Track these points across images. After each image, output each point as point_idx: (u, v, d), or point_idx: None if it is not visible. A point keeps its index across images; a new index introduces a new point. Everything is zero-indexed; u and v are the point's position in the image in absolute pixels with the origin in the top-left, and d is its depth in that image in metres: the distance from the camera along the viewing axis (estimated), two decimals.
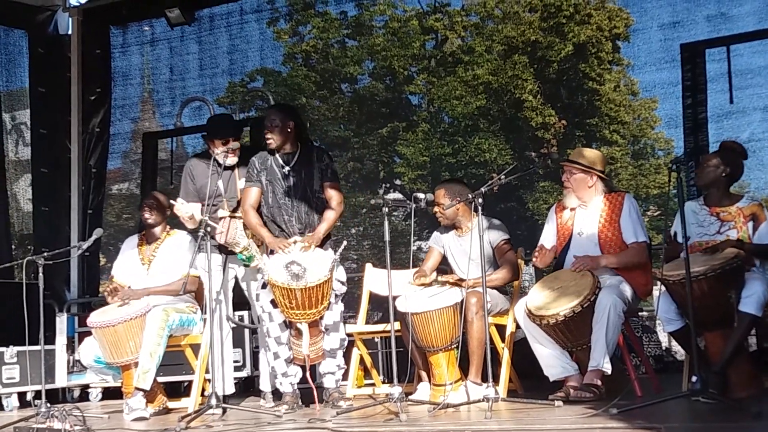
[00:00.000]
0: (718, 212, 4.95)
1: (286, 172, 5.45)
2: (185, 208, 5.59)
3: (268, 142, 5.44)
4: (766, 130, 8.52)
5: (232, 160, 5.67)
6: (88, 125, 8.90)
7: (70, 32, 8.97)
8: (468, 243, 5.39)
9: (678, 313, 4.67)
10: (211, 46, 10.44)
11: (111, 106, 9.19)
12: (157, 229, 5.95)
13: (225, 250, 5.66)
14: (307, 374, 5.23)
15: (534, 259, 5.26)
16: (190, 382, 5.89)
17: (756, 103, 8.47)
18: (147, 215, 5.91)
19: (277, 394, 5.63)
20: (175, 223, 6.03)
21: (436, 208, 5.62)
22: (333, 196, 5.46)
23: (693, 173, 5.07)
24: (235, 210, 5.65)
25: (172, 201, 5.68)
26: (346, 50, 19.23)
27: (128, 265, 5.97)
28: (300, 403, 5.37)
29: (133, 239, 6.09)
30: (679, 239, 4.40)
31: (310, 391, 5.29)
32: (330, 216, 5.43)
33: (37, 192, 8.80)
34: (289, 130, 5.43)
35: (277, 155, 5.49)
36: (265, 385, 5.78)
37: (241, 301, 5.97)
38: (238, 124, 6.03)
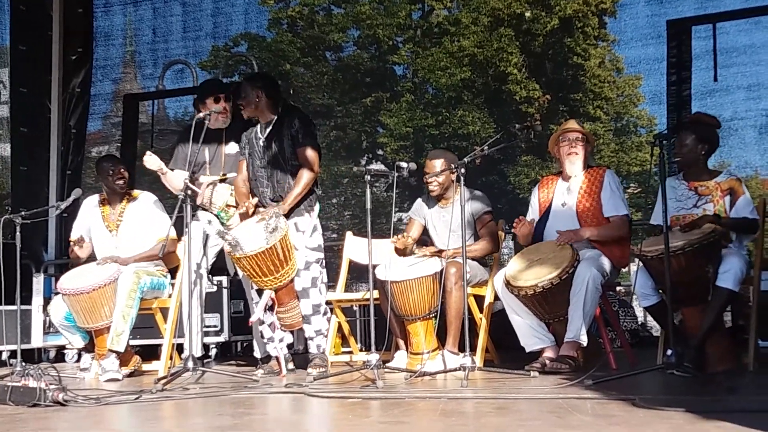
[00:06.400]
0: (696, 186, 4.98)
1: (262, 143, 5.39)
2: (152, 161, 5.60)
3: (242, 112, 5.46)
4: (749, 109, 8.57)
5: (217, 122, 5.62)
6: (68, 85, 8.77)
7: None
8: (450, 213, 5.38)
9: (654, 288, 4.70)
10: (195, 8, 10.35)
11: (92, 67, 9.07)
12: (121, 193, 5.85)
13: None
14: (276, 342, 5.28)
15: (513, 228, 5.26)
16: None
17: (740, 81, 8.51)
18: (121, 182, 5.78)
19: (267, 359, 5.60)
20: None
21: (431, 179, 5.52)
22: (306, 158, 5.30)
23: (674, 150, 5.06)
24: (225, 176, 5.64)
25: (155, 161, 5.65)
26: (331, 17, 19.10)
27: (93, 230, 5.86)
28: (289, 366, 5.37)
29: (93, 201, 5.94)
30: (659, 216, 4.41)
31: (301, 356, 5.24)
32: (302, 177, 5.27)
33: (15, 151, 8.70)
34: (257, 100, 5.34)
35: (258, 126, 5.45)
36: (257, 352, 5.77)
37: (222, 266, 5.92)
38: (215, 85, 5.95)
